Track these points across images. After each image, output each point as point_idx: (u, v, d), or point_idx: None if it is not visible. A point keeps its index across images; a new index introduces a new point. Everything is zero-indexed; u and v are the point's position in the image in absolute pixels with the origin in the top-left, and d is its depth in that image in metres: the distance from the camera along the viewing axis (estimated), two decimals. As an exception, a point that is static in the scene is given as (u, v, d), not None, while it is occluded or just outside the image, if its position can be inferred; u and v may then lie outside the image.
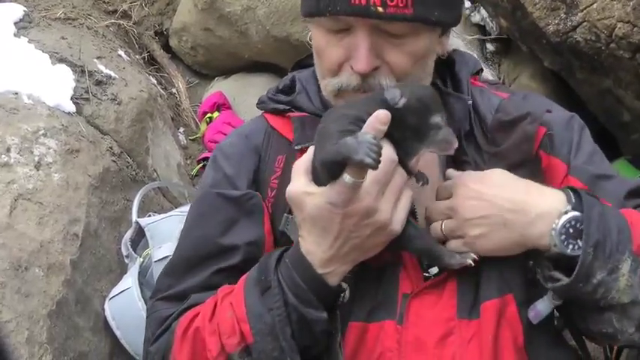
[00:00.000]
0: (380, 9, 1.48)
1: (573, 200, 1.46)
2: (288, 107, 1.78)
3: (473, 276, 1.55)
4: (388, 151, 1.42)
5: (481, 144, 1.66)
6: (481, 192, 1.50)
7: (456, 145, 1.49)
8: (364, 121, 1.41)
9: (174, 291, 1.71)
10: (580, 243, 1.41)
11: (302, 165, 1.50)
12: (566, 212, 1.44)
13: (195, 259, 1.70)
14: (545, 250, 1.46)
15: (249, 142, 1.80)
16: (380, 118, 1.40)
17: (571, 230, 1.42)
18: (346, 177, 1.38)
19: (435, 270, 1.58)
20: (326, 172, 1.43)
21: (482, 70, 1.87)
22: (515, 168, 1.57)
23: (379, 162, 1.34)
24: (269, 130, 1.80)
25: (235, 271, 1.64)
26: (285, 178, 1.65)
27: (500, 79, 4.49)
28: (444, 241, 1.55)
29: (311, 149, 1.51)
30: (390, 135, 1.43)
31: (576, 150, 1.67)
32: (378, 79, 1.57)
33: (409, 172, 1.51)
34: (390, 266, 1.58)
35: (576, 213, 1.43)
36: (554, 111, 1.75)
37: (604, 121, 3.67)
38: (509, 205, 1.48)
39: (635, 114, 3.21)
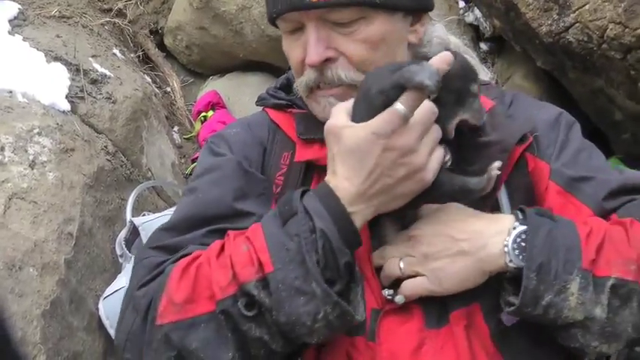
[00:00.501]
0: None
1: (521, 217, 1.45)
2: (290, 103, 1.77)
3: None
4: (431, 104, 1.41)
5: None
6: (437, 230, 1.49)
7: (485, 117, 1.50)
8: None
9: (171, 241, 1.58)
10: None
11: (343, 106, 1.48)
12: (514, 228, 1.43)
13: (201, 217, 1.59)
14: (505, 270, 1.45)
15: (252, 133, 1.77)
16: (444, 58, 1.40)
17: (523, 244, 1.42)
18: (399, 105, 1.37)
19: (400, 298, 1.52)
20: (382, 100, 1.40)
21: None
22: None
23: (439, 88, 1.35)
24: (272, 125, 1.77)
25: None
26: (291, 176, 1.66)
27: (494, 78, 4.51)
28: (400, 279, 1.52)
29: (351, 101, 1.49)
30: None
31: (560, 150, 1.64)
32: (335, 70, 1.57)
33: (446, 135, 1.49)
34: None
35: (524, 226, 1.43)
36: (542, 110, 1.73)
37: (596, 121, 3.68)
38: (464, 235, 1.47)
39: (627, 113, 3.23)
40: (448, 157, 1.49)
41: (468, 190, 1.50)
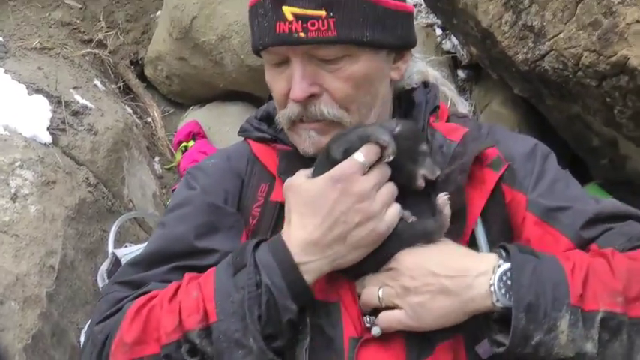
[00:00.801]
0: (302, 34, 1.50)
1: (504, 255, 1.45)
2: (274, 138, 1.77)
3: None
4: (384, 166, 1.47)
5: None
6: (419, 263, 1.48)
7: (438, 172, 1.54)
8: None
9: (135, 277, 1.60)
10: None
11: (303, 172, 1.52)
12: (499, 266, 1.42)
13: (165, 254, 1.61)
14: (492, 310, 1.43)
15: (230, 164, 1.77)
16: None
17: (509, 282, 1.41)
18: (358, 154, 1.43)
19: (376, 330, 1.50)
20: (342, 156, 1.46)
21: (438, 107, 1.79)
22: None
23: (394, 149, 1.43)
24: (252, 157, 1.77)
25: (205, 271, 1.56)
26: (267, 208, 1.66)
27: (472, 105, 4.55)
28: (378, 309, 1.51)
29: (310, 169, 1.53)
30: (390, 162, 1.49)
31: (536, 181, 1.63)
32: (318, 106, 1.58)
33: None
34: (333, 304, 1.55)
35: (508, 264, 1.42)
36: (517, 142, 1.72)
37: (574, 147, 3.71)
38: (446, 271, 1.46)
39: (604, 139, 3.25)
40: (408, 214, 1.52)
41: (430, 232, 1.52)
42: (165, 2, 4.88)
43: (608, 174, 3.49)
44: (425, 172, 1.52)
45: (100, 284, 2.71)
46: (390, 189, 1.48)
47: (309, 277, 1.44)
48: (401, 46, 1.66)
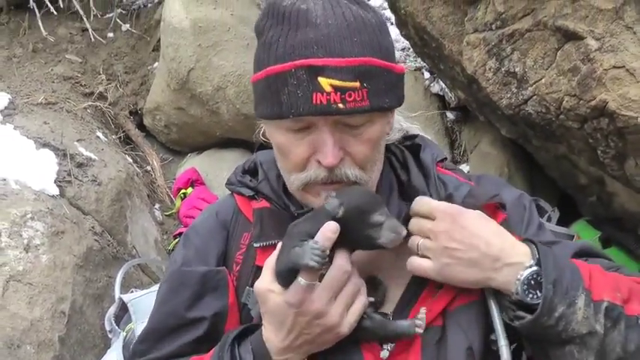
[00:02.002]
0: (340, 105, 1.56)
1: (537, 255, 1.60)
2: (253, 193, 1.88)
3: (435, 334, 1.66)
4: (341, 261, 1.59)
5: None
6: (463, 226, 1.62)
7: (404, 233, 1.62)
8: (313, 236, 1.57)
9: (149, 357, 1.82)
10: (539, 293, 1.55)
11: (270, 262, 1.64)
12: (530, 266, 1.58)
13: (164, 331, 1.82)
14: (507, 294, 1.60)
15: (218, 219, 1.92)
16: (329, 228, 1.56)
17: (532, 282, 1.57)
18: (301, 280, 1.55)
19: (385, 354, 1.66)
20: (282, 280, 1.59)
21: (446, 158, 1.95)
22: None
23: (323, 263, 1.52)
24: (236, 209, 1.91)
25: (202, 340, 1.78)
26: (249, 254, 1.81)
27: (461, 146, 4.64)
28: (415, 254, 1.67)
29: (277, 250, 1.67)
30: (346, 241, 1.60)
31: (527, 225, 1.81)
32: (343, 169, 1.66)
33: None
34: (350, 344, 1.68)
35: (537, 268, 1.58)
36: (506, 192, 1.87)
37: (562, 185, 3.78)
38: (484, 248, 1.60)
39: (591, 177, 3.31)
40: (369, 305, 1.65)
41: (400, 335, 1.66)
42: (162, 54, 4.98)
43: (596, 211, 3.55)
44: (383, 240, 1.61)
45: (108, 328, 2.81)
46: (350, 290, 1.61)
47: None
48: (399, 105, 1.76)
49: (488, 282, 1.62)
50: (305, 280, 1.54)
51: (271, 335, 1.63)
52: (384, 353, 1.65)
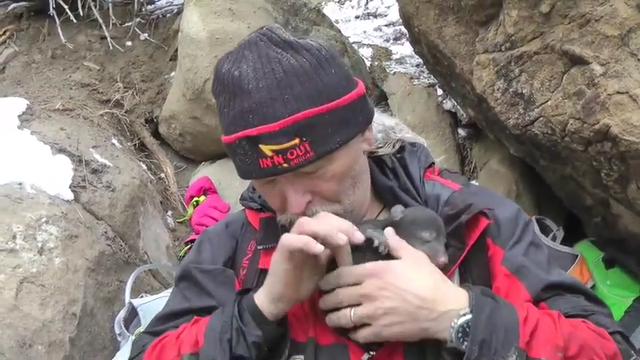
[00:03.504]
0: (285, 165, 1.63)
1: (474, 302, 1.62)
2: (260, 207, 1.99)
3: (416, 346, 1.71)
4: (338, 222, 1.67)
5: None
6: (393, 284, 1.64)
7: (442, 260, 1.71)
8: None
9: (158, 328, 1.92)
10: None
11: None
12: (464, 314, 1.60)
13: (174, 312, 1.94)
14: (444, 341, 1.62)
15: (228, 230, 2.04)
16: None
17: (467, 329, 1.59)
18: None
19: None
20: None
21: (433, 163, 2.01)
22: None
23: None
24: (246, 222, 2.03)
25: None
26: (254, 259, 1.92)
27: (472, 163, 4.69)
28: (349, 329, 1.70)
29: None
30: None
31: (516, 242, 1.83)
32: (314, 209, 1.74)
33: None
34: (339, 345, 1.75)
35: (472, 316, 1.60)
36: (502, 206, 1.91)
37: (569, 205, 3.78)
38: (417, 301, 1.62)
39: (596, 199, 3.30)
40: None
41: None
42: (179, 64, 5.04)
43: (601, 232, 3.54)
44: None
45: (117, 331, 2.89)
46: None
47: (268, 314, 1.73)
48: (366, 126, 1.80)
49: (425, 333, 1.64)
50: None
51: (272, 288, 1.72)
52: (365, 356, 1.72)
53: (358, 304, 1.67)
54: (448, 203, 1.86)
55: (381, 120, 2.02)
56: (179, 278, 2.03)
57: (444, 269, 1.72)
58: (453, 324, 1.60)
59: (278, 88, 1.62)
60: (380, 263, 1.69)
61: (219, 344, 1.69)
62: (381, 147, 1.97)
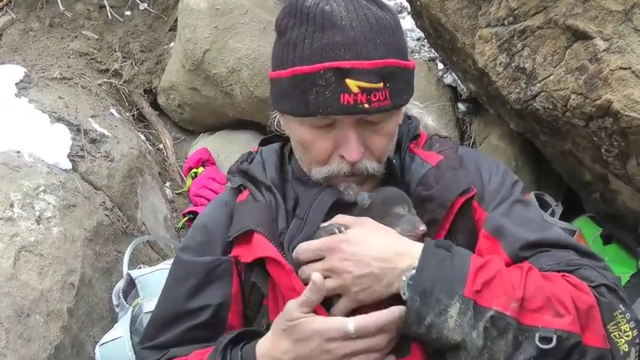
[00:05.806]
0: (366, 105, 1.67)
1: (422, 254, 1.65)
2: (240, 184, 2.02)
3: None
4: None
5: None
6: (354, 253, 1.68)
7: (422, 228, 1.74)
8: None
9: (156, 342, 1.92)
10: None
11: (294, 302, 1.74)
12: (414, 268, 1.63)
13: (170, 317, 1.93)
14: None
15: (225, 210, 2.02)
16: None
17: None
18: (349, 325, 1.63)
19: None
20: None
21: (419, 135, 2.05)
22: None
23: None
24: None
25: (206, 326, 1.89)
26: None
27: (471, 137, 4.67)
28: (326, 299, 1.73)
29: None
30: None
31: (498, 203, 1.85)
32: (364, 163, 1.79)
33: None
34: None
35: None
36: (489, 169, 1.95)
37: (568, 180, 3.80)
38: (380, 263, 1.66)
39: (595, 174, 3.32)
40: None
41: None
42: (178, 35, 5.01)
43: (599, 207, 3.56)
44: (399, 230, 1.75)
45: (115, 302, 2.89)
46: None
47: None
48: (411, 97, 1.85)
49: (391, 289, 1.67)
50: (352, 329, 1.61)
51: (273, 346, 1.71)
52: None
53: (326, 277, 1.69)
54: (421, 183, 1.89)
55: None
56: (175, 267, 2.03)
57: (425, 237, 1.74)
58: (404, 277, 1.64)
59: (371, 32, 1.69)
60: (335, 236, 1.72)
61: None
62: None
